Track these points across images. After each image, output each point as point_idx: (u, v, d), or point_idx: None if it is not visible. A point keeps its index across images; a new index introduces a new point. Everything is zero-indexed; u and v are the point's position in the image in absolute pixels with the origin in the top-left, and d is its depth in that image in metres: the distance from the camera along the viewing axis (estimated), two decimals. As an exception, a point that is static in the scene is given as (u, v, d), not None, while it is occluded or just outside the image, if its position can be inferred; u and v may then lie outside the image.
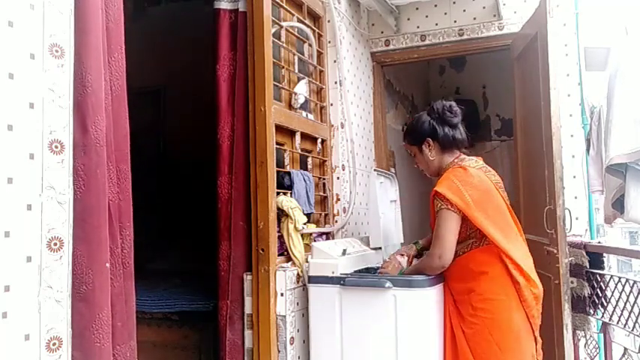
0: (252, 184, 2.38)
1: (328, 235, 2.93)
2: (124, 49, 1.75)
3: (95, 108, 1.56)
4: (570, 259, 2.77)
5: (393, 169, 4.17)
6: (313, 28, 3.03)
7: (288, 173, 2.59)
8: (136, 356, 1.77)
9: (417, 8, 3.77)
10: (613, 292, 2.68)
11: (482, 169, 2.25)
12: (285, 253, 2.48)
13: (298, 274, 2.46)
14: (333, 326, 2.34)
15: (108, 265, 1.59)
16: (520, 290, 2.08)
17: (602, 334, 2.84)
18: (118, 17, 1.73)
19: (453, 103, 2.34)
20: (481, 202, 2.13)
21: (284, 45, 2.72)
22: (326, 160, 3.06)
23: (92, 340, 1.51)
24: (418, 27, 3.79)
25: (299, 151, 2.77)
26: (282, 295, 2.34)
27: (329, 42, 3.19)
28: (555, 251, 2.58)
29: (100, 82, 1.59)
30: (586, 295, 2.80)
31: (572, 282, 2.79)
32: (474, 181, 2.16)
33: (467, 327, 2.13)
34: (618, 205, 3.39)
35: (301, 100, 2.78)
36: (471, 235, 2.17)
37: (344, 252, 2.49)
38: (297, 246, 2.47)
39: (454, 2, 3.70)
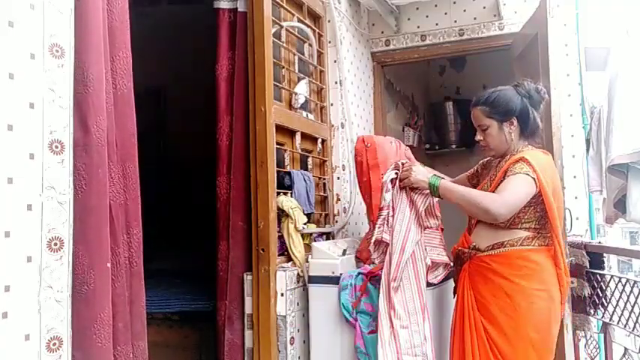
0: (252, 184, 2.38)
1: (328, 235, 2.93)
2: (129, 47, 1.75)
3: (97, 107, 1.56)
4: (570, 259, 2.77)
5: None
6: (313, 28, 3.03)
7: (289, 173, 2.59)
8: (147, 357, 1.76)
9: (417, 8, 3.77)
10: (613, 293, 2.67)
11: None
12: (286, 253, 2.48)
13: (298, 274, 2.46)
14: (333, 326, 2.34)
15: (109, 265, 1.58)
16: (562, 287, 2.04)
17: (602, 335, 2.83)
18: (122, 16, 1.72)
19: (543, 87, 2.16)
20: (555, 193, 2.02)
21: (284, 45, 2.72)
22: (326, 160, 3.06)
23: (94, 340, 1.51)
24: (418, 27, 3.79)
25: (299, 151, 2.77)
26: (282, 295, 2.34)
27: (329, 42, 3.19)
28: (555, 251, 2.58)
29: (102, 82, 1.59)
30: (586, 295, 2.79)
31: (572, 282, 2.78)
32: (554, 173, 2.08)
33: (526, 300, 1.96)
34: (620, 205, 3.39)
35: (301, 100, 2.78)
36: (524, 226, 2.03)
37: (344, 252, 2.49)
38: (297, 246, 2.47)
39: (454, 2, 3.70)
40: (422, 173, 2.13)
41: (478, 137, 2.18)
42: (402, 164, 2.21)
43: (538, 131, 2.15)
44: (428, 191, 2.13)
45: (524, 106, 2.09)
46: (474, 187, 2.30)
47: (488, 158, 2.31)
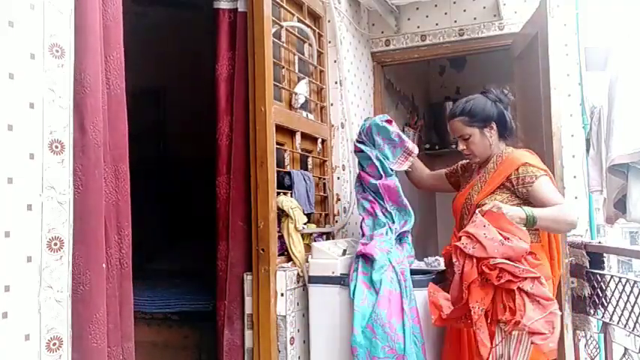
0: (252, 184, 2.37)
1: (328, 235, 2.93)
2: (122, 47, 1.75)
3: (94, 108, 1.56)
4: (571, 259, 2.77)
5: (393, 169, 4.16)
6: (313, 28, 3.03)
7: (289, 173, 2.59)
8: (134, 358, 1.76)
9: (417, 8, 3.77)
10: (613, 293, 2.67)
11: None
12: (286, 253, 2.47)
13: (298, 274, 2.46)
14: (333, 326, 2.34)
15: (104, 265, 1.58)
16: (555, 277, 2.18)
17: (602, 335, 2.83)
18: (116, 16, 1.72)
19: (507, 90, 2.28)
20: None
21: (284, 45, 2.72)
22: (326, 160, 3.05)
23: (90, 341, 1.51)
24: (418, 27, 3.79)
25: (299, 151, 2.77)
26: (282, 295, 2.34)
27: (329, 42, 3.19)
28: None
29: (98, 83, 1.58)
30: (586, 295, 2.79)
31: (572, 282, 2.79)
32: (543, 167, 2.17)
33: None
34: (620, 205, 3.40)
35: (301, 100, 2.77)
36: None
37: (344, 252, 2.49)
38: (297, 246, 2.47)
39: (454, 2, 3.70)
40: (513, 210, 1.98)
41: (461, 147, 2.26)
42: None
43: (514, 131, 2.26)
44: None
45: (499, 109, 2.22)
46: (452, 184, 2.47)
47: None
